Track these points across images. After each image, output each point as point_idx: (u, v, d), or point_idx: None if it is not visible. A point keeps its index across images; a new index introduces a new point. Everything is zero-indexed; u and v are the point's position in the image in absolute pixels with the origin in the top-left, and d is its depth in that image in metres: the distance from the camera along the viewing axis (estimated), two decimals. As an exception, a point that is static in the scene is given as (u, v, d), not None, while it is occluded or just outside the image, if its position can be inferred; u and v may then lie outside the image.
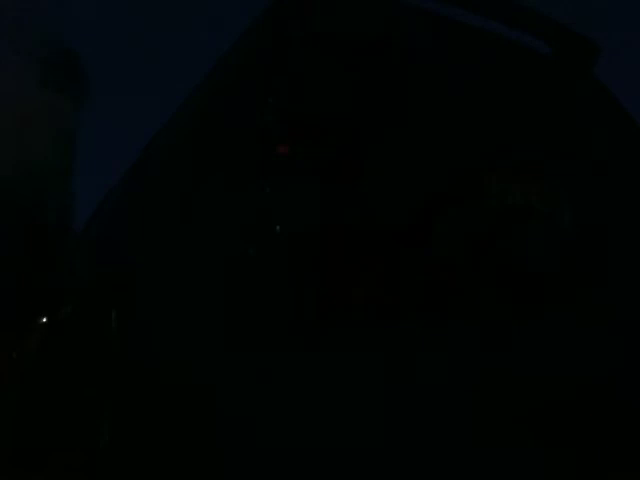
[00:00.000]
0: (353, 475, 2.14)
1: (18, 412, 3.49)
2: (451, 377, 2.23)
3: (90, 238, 3.90)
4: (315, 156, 2.30)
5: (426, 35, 2.75)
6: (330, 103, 2.41)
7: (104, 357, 2.85)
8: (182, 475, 2.33)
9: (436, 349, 2.22)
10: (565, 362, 2.37)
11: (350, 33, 2.61)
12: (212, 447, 2.22)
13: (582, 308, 2.44)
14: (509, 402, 2.29)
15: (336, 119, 2.39)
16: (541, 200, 2.56)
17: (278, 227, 2.23)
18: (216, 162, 2.61)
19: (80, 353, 3.13)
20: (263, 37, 2.71)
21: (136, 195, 3.30)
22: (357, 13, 2.68)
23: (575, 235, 2.56)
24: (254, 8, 2.81)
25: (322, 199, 2.26)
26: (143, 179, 3.32)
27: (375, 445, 2.15)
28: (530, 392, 2.31)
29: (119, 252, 3.15)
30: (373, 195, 2.32)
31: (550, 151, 2.70)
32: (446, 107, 2.60)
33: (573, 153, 2.76)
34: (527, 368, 2.32)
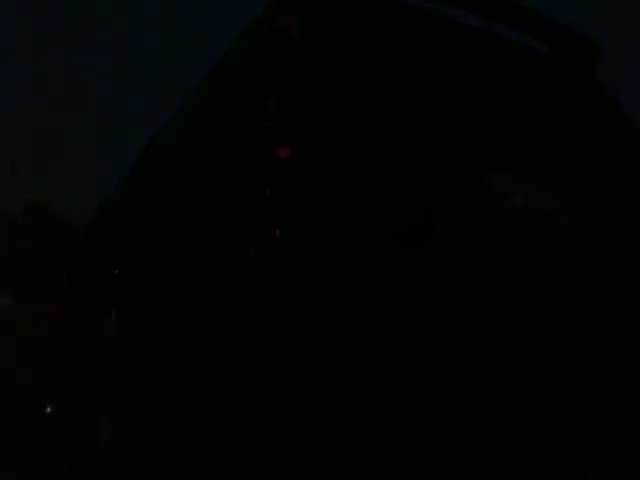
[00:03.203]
0: (354, 475, 2.14)
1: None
2: (451, 377, 2.23)
3: (91, 238, 3.90)
4: (315, 156, 2.30)
5: (426, 35, 2.75)
6: (330, 103, 2.41)
7: (104, 357, 2.86)
8: (182, 475, 2.33)
9: (436, 349, 2.22)
10: (565, 362, 2.37)
11: (350, 33, 2.60)
12: (212, 447, 2.22)
13: (582, 308, 2.44)
14: (509, 402, 2.29)
15: (336, 119, 2.38)
16: (541, 200, 2.56)
17: (278, 227, 2.23)
18: (216, 162, 2.61)
19: (80, 353, 3.13)
20: (263, 37, 2.71)
21: (136, 195, 3.30)
22: (357, 13, 2.67)
23: (575, 235, 2.56)
24: (254, 8, 2.81)
25: (322, 199, 2.26)
26: (143, 179, 3.32)
27: (376, 445, 2.15)
28: (530, 392, 2.31)
29: (119, 252, 3.15)
30: (373, 195, 2.32)
31: (550, 151, 2.70)
32: (446, 107, 2.60)
33: (573, 153, 2.76)
34: (527, 368, 2.32)
